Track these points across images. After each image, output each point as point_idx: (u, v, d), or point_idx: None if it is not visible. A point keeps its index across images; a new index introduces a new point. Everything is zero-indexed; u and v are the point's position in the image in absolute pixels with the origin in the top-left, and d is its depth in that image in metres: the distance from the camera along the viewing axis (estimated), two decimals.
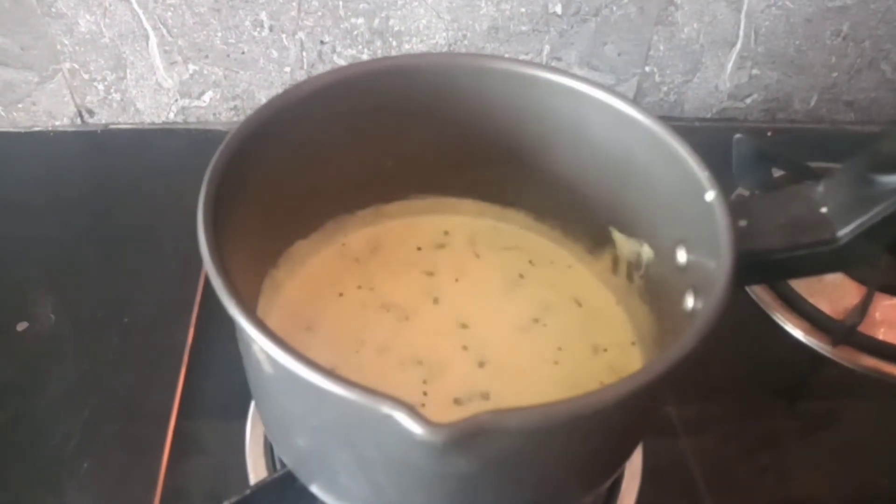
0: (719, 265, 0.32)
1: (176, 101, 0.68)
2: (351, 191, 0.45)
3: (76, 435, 0.47)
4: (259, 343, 0.28)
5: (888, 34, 0.70)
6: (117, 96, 0.67)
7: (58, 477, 0.45)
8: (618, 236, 0.44)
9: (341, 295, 0.44)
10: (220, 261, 0.30)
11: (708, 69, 0.71)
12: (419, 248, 0.47)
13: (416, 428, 0.25)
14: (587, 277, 0.46)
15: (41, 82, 0.66)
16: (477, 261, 0.47)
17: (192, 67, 0.66)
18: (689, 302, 0.36)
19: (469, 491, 0.32)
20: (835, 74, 0.72)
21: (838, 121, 0.76)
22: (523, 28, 0.66)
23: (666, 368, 0.29)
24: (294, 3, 0.63)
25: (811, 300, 0.56)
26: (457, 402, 0.39)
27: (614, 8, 0.65)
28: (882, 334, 0.54)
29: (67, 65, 0.65)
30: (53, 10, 0.61)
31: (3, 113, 0.67)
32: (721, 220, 0.34)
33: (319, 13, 0.63)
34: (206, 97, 0.68)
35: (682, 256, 0.38)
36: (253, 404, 0.47)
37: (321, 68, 0.67)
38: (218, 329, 0.52)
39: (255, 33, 0.64)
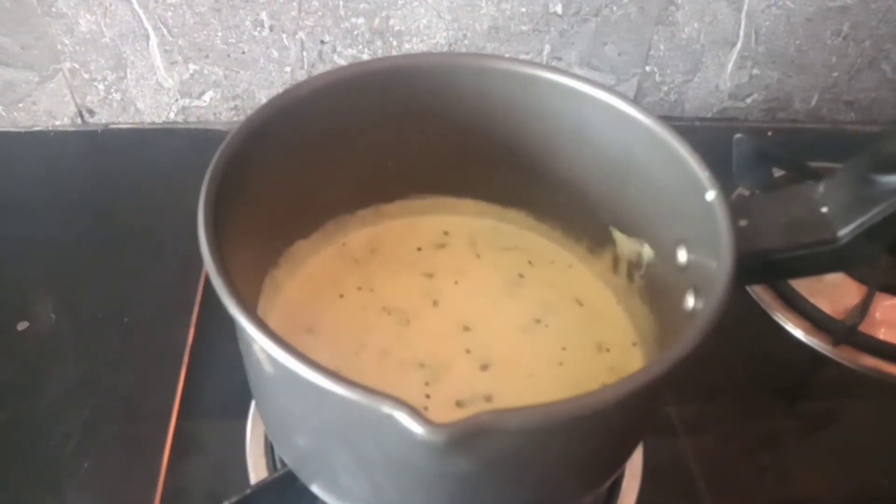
0: (720, 265, 0.32)
1: (176, 100, 0.68)
2: (351, 190, 0.45)
3: (76, 435, 0.47)
4: (260, 343, 0.28)
5: (889, 34, 0.70)
6: (118, 96, 0.67)
7: (58, 477, 0.45)
8: (618, 236, 0.44)
9: (342, 296, 0.44)
10: (221, 260, 0.30)
11: (708, 69, 0.71)
12: (419, 249, 0.47)
13: (416, 428, 0.25)
14: (588, 277, 0.46)
15: (41, 82, 0.66)
16: (477, 261, 0.47)
17: (192, 67, 0.66)
18: (690, 302, 0.36)
19: (469, 491, 0.32)
20: (835, 74, 0.72)
21: (839, 120, 0.76)
22: (524, 28, 0.66)
23: (666, 368, 0.29)
24: (294, 3, 0.63)
25: (812, 300, 0.55)
26: (459, 404, 0.39)
27: (615, 8, 0.65)
28: (882, 334, 0.54)
29: (68, 64, 0.65)
30: (54, 9, 0.61)
31: (3, 112, 0.67)
32: (721, 219, 0.33)
33: (320, 13, 0.63)
34: (207, 97, 0.68)
35: (682, 256, 0.38)
36: (253, 404, 0.47)
37: (321, 68, 0.67)
38: (218, 329, 0.52)
39: (256, 33, 0.64)
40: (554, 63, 0.69)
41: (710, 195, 0.34)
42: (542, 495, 0.35)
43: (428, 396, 0.39)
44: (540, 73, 0.41)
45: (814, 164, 0.60)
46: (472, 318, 0.43)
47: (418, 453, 0.28)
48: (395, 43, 0.66)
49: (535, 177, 0.45)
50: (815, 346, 0.54)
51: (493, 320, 0.43)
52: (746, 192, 0.61)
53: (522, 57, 0.68)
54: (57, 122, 0.69)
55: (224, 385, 0.49)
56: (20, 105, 0.67)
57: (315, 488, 0.37)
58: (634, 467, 0.45)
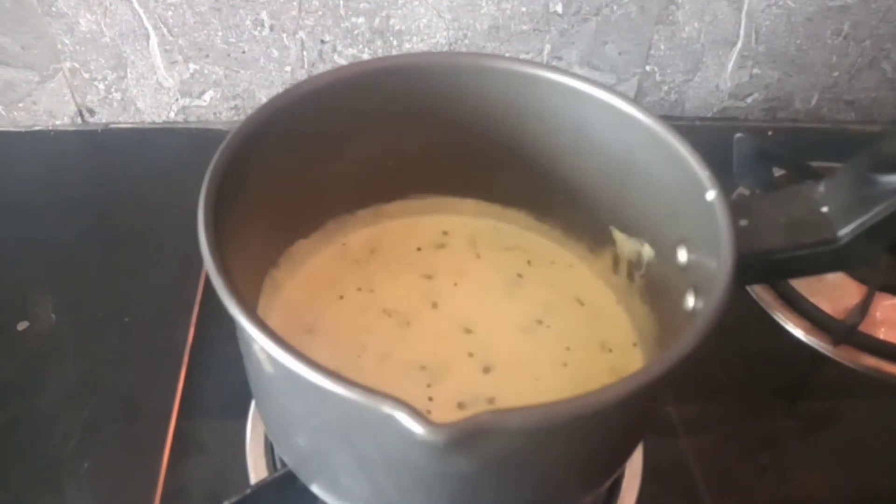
0: (720, 265, 0.32)
1: (176, 100, 0.68)
2: (351, 190, 0.45)
3: (76, 435, 0.47)
4: (260, 343, 0.28)
5: (889, 33, 0.70)
6: (118, 95, 0.67)
7: (58, 477, 0.45)
8: (618, 236, 0.44)
9: (342, 297, 0.44)
10: (221, 260, 0.30)
11: (709, 68, 0.71)
12: (419, 249, 0.47)
13: (416, 428, 0.25)
14: (588, 277, 0.46)
15: (42, 81, 0.66)
16: (477, 261, 0.47)
17: (192, 67, 0.66)
18: (690, 301, 0.36)
19: (469, 491, 0.32)
20: (836, 74, 0.72)
21: (839, 120, 0.76)
22: (524, 27, 0.66)
23: (666, 368, 0.28)
24: (295, 3, 0.63)
25: (812, 300, 0.55)
26: (462, 406, 0.39)
27: (615, 7, 0.65)
28: (883, 334, 0.54)
29: (68, 64, 0.65)
30: (54, 9, 0.61)
31: (3, 112, 0.67)
32: (722, 219, 0.33)
33: (320, 12, 0.63)
34: (207, 96, 0.68)
35: (682, 256, 0.38)
36: (253, 404, 0.47)
37: (322, 67, 0.67)
38: (218, 329, 0.52)
39: (256, 32, 0.64)
40: (554, 62, 0.69)
41: (711, 195, 0.34)
42: (542, 495, 0.35)
43: (431, 399, 0.39)
44: (540, 72, 0.41)
45: (814, 164, 0.60)
46: (472, 320, 0.43)
47: (418, 453, 0.28)
48: (395, 42, 0.66)
49: (536, 176, 0.45)
50: (816, 345, 0.54)
51: (494, 321, 0.43)
52: (747, 192, 0.61)
53: (523, 56, 0.68)
54: (57, 122, 0.69)
55: (224, 385, 0.49)
56: (20, 105, 0.67)
57: (315, 488, 0.37)
58: (634, 467, 0.45)
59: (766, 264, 0.36)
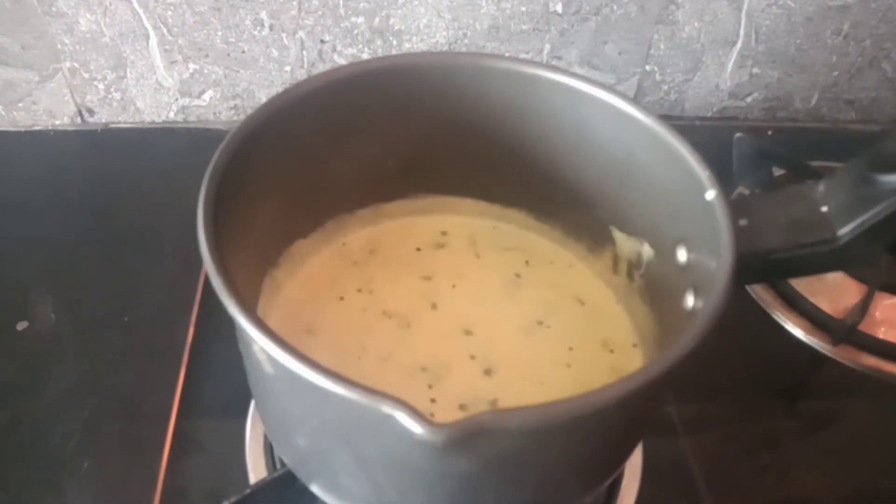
0: (719, 264, 0.32)
1: (176, 100, 0.68)
2: (351, 190, 0.45)
3: (76, 435, 0.47)
4: (259, 343, 0.28)
5: (889, 33, 0.70)
6: (117, 95, 0.67)
7: (58, 477, 0.45)
8: (618, 235, 0.44)
9: (342, 299, 0.44)
10: (220, 260, 0.30)
11: (708, 68, 0.71)
12: (418, 249, 0.47)
13: (416, 428, 0.25)
14: (588, 277, 0.46)
15: (41, 81, 0.66)
16: (477, 261, 0.47)
17: (192, 66, 0.66)
18: (690, 301, 0.36)
19: (469, 491, 0.32)
20: (835, 73, 0.72)
21: (839, 120, 0.76)
22: (524, 27, 0.66)
23: (666, 368, 0.28)
24: (294, 3, 0.63)
25: (812, 299, 0.55)
26: (465, 408, 0.39)
27: (615, 7, 0.65)
28: (882, 333, 0.54)
29: (68, 64, 0.65)
30: (54, 9, 0.61)
31: (3, 112, 0.67)
32: (721, 219, 0.33)
33: (320, 12, 0.63)
34: (207, 96, 0.68)
35: (682, 255, 0.38)
36: (253, 403, 0.47)
37: (321, 67, 0.67)
38: (218, 328, 0.52)
39: (256, 32, 0.64)
40: (554, 62, 0.68)
41: (710, 194, 0.34)
42: (542, 495, 0.35)
43: (433, 401, 0.39)
44: (540, 72, 0.41)
45: (814, 164, 0.60)
46: (472, 321, 0.43)
47: (418, 453, 0.28)
48: (394, 42, 0.66)
49: (535, 176, 0.45)
50: (815, 345, 0.54)
51: (495, 322, 0.43)
52: (746, 192, 0.61)
53: (522, 56, 0.68)
54: (57, 122, 0.69)
55: (224, 385, 0.49)
56: (20, 104, 0.67)
57: (315, 488, 0.37)
58: (634, 467, 0.45)
59: (765, 264, 0.36)
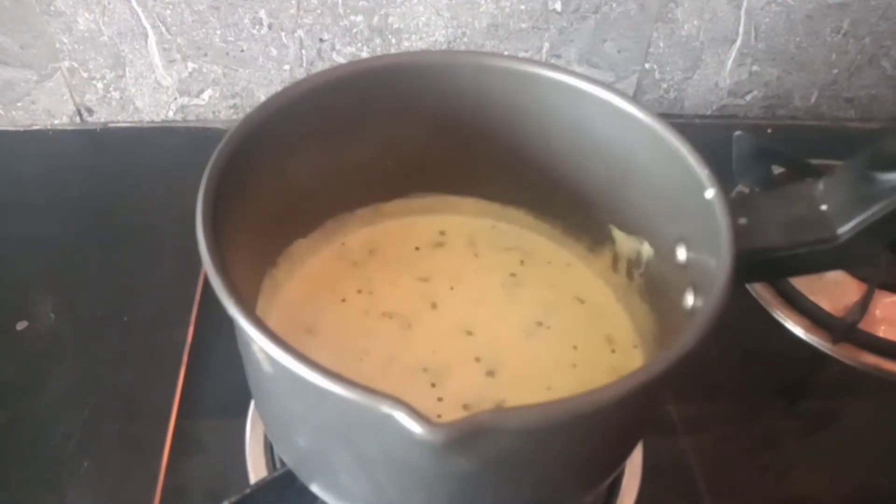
0: (719, 263, 0.32)
1: (175, 99, 0.68)
2: (350, 189, 0.45)
3: (76, 435, 0.47)
4: (259, 343, 0.28)
5: (889, 31, 0.70)
6: (116, 95, 0.67)
7: (58, 477, 0.45)
8: (618, 234, 0.44)
9: (344, 301, 0.44)
10: (220, 260, 0.30)
11: (708, 66, 0.71)
12: (417, 249, 0.47)
13: (415, 427, 0.25)
14: (587, 276, 0.46)
15: (40, 81, 0.66)
16: (476, 261, 0.47)
17: (191, 65, 0.66)
18: (689, 300, 0.36)
19: (469, 490, 0.32)
20: (835, 71, 0.72)
21: (839, 118, 0.76)
22: (523, 25, 0.66)
23: (666, 367, 0.28)
24: (293, 1, 0.63)
25: (812, 297, 0.55)
26: (470, 409, 0.39)
27: (614, 5, 0.65)
28: (882, 331, 0.54)
29: (66, 63, 0.65)
30: (52, 8, 0.61)
31: (2, 112, 0.67)
32: (721, 217, 0.33)
33: (318, 11, 0.63)
34: (206, 95, 0.68)
35: (682, 254, 0.38)
36: (252, 403, 0.47)
37: (320, 66, 0.67)
38: (218, 328, 0.52)
39: (255, 31, 0.64)
40: (553, 60, 0.68)
41: (710, 193, 0.34)
42: (543, 494, 0.35)
43: (440, 399, 0.39)
44: (539, 70, 0.41)
45: (814, 162, 0.60)
46: (473, 321, 0.43)
47: (418, 453, 0.28)
48: (393, 41, 0.66)
49: (535, 175, 0.45)
50: (815, 343, 0.54)
51: (495, 322, 0.43)
52: (746, 190, 0.61)
53: (522, 54, 0.68)
54: (56, 121, 0.69)
55: (223, 384, 0.49)
56: (19, 104, 0.67)
57: (315, 488, 0.37)
58: (634, 466, 0.45)
59: (765, 262, 0.36)
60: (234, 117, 0.70)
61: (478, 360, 0.41)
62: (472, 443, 0.25)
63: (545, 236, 0.48)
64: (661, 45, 0.69)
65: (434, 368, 0.40)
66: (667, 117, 0.38)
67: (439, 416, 0.38)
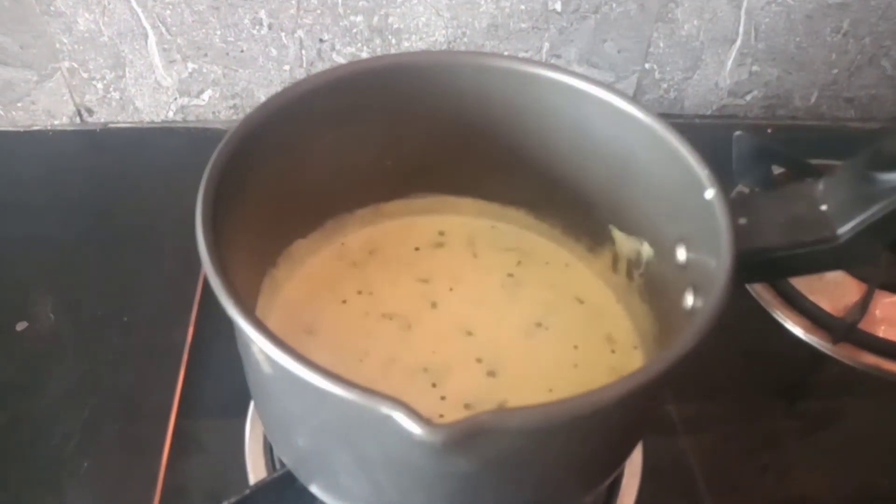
0: (719, 263, 0.32)
1: (175, 99, 0.68)
2: (350, 189, 0.45)
3: (76, 435, 0.47)
4: (258, 344, 0.28)
5: (889, 30, 0.70)
6: (116, 95, 0.67)
7: (58, 477, 0.45)
8: (617, 234, 0.44)
9: (344, 302, 0.44)
10: (219, 260, 0.30)
11: (708, 66, 0.71)
12: (417, 249, 0.47)
13: (415, 428, 0.25)
14: (587, 276, 0.46)
15: (40, 81, 0.66)
16: (475, 261, 0.47)
17: (191, 66, 0.66)
18: (689, 300, 0.36)
19: (469, 490, 0.32)
20: (835, 71, 0.72)
21: (839, 118, 0.76)
22: (523, 25, 0.66)
23: (665, 367, 0.28)
24: (293, 1, 0.63)
25: (811, 298, 0.55)
26: (470, 408, 0.39)
27: (614, 5, 0.65)
28: (882, 332, 0.54)
29: (66, 63, 0.65)
30: (52, 8, 0.61)
31: (2, 112, 0.67)
32: (721, 217, 0.33)
33: (318, 11, 0.63)
34: (206, 96, 0.68)
35: (681, 254, 0.38)
36: (252, 404, 0.47)
37: (320, 66, 0.67)
38: (217, 328, 0.52)
39: (255, 31, 0.64)
40: (553, 60, 0.68)
41: (710, 193, 0.34)
42: (542, 495, 0.35)
43: (443, 398, 0.39)
44: (539, 71, 0.41)
45: (814, 162, 0.60)
46: (473, 321, 0.43)
47: (417, 453, 0.28)
48: (393, 41, 0.66)
49: (534, 175, 0.44)
50: (815, 343, 0.54)
51: (495, 323, 0.43)
52: (746, 190, 0.61)
53: (521, 54, 0.68)
54: (56, 122, 0.69)
55: (223, 385, 0.49)
56: (19, 104, 0.67)
57: (314, 489, 0.37)
58: (634, 466, 0.45)
59: (765, 263, 0.36)
60: (234, 118, 0.70)
61: (479, 360, 0.41)
62: (472, 443, 0.25)
63: (545, 237, 0.48)
64: (661, 45, 0.69)
65: (434, 369, 0.40)
66: (667, 117, 0.38)
67: (441, 415, 0.38)
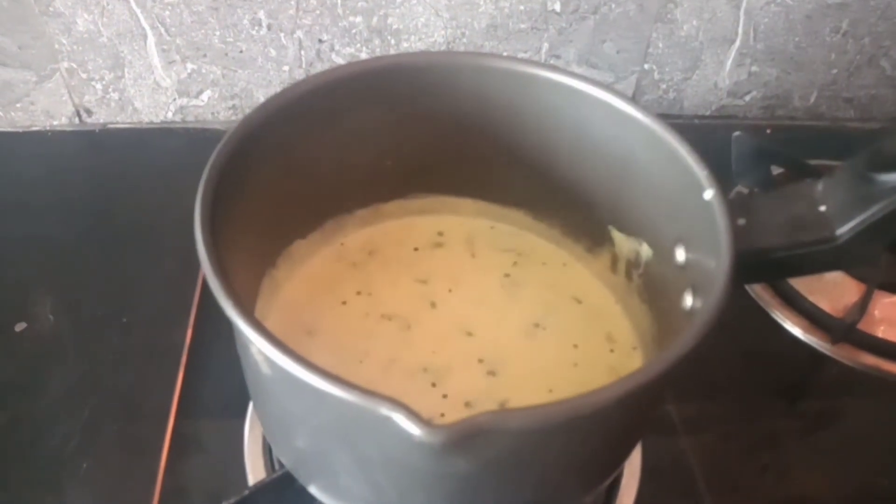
0: (718, 264, 0.32)
1: (174, 100, 0.68)
2: (349, 190, 0.45)
3: (76, 435, 0.47)
4: (257, 345, 0.28)
5: (888, 31, 0.70)
6: (115, 95, 0.67)
7: (58, 477, 0.45)
8: (617, 235, 0.44)
9: (344, 303, 0.44)
10: (218, 261, 0.30)
11: (707, 66, 0.71)
12: (416, 249, 0.47)
13: (414, 429, 0.25)
14: (586, 276, 0.46)
15: (39, 82, 0.66)
16: (473, 262, 0.47)
17: (190, 66, 0.66)
18: (689, 301, 0.36)
19: (469, 491, 0.32)
20: (834, 71, 0.72)
21: (838, 118, 0.76)
22: (522, 26, 0.66)
23: (665, 368, 0.28)
24: (292, 2, 0.62)
25: (810, 298, 0.55)
26: (471, 407, 0.39)
27: (613, 5, 0.65)
28: (881, 332, 0.54)
29: (65, 64, 0.65)
30: (51, 9, 0.61)
31: (1, 113, 0.67)
32: (720, 218, 0.33)
33: (318, 11, 0.63)
34: (205, 96, 0.68)
35: (681, 255, 0.38)
36: (251, 404, 0.47)
37: (319, 67, 0.67)
38: (216, 329, 0.52)
39: (254, 32, 0.64)
40: (552, 61, 0.68)
41: (709, 194, 0.34)
42: (542, 495, 0.35)
43: (445, 396, 0.39)
44: (538, 71, 0.41)
45: (813, 162, 0.60)
46: (472, 322, 0.43)
47: (416, 454, 0.28)
48: (393, 41, 0.66)
49: (534, 176, 0.44)
50: (814, 344, 0.54)
51: (494, 323, 0.43)
52: (745, 191, 0.61)
53: (521, 55, 0.68)
54: (55, 122, 0.68)
55: (222, 385, 0.49)
56: (18, 105, 0.67)
57: (314, 489, 0.37)
58: (633, 466, 0.45)
59: (764, 263, 0.36)
60: (233, 118, 0.70)
61: (480, 360, 0.41)
62: (471, 444, 0.25)
63: (544, 237, 0.48)
64: (661, 45, 0.69)
65: (434, 369, 0.40)
66: (666, 118, 0.38)
67: (442, 414, 0.38)
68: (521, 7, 0.65)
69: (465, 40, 0.66)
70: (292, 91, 0.38)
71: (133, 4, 0.62)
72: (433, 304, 0.44)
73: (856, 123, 0.76)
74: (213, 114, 0.69)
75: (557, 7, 0.65)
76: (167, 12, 0.62)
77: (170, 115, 0.69)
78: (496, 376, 0.41)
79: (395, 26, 0.65)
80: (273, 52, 0.66)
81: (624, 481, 0.45)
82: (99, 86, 0.66)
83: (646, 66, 0.70)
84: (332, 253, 0.46)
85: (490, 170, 0.45)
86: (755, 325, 0.56)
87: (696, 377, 0.43)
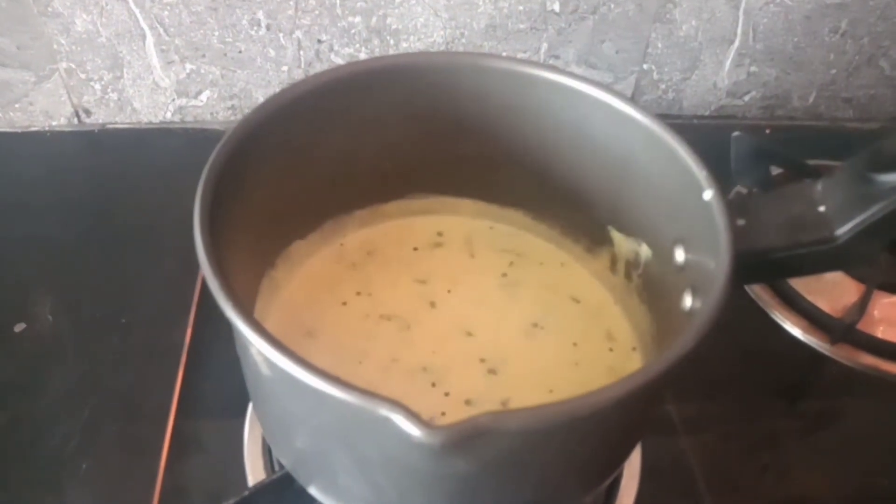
0: (718, 264, 0.32)
1: (173, 100, 0.68)
2: (349, 190, 0.45)
3: (76, 435, 0.47)
4: (256, 345, 0.28)
5: (887, 31, 0.70)
6: (114, 96, 0.67)
7: (58, 477, 0.45)
8: (616, 235, 0.44)
9: (344, 304, 0.44)
10: (217, 262, 0.30)
11: (706, 66, 0.71)
12: (416, 249, 0.47)
13: (413, 430, 0.25)
14: (584, 277, 0.46)
15: (38, 82, 0.66)
16: (472, 261, 0.47)
17: (189, 67, 0.66)
18: (688, 301, 0.36)
19: (468, 492, 0.32)
20: (833, 71, 0.72)
21: (837, 118, 0.76)
22: (521, 26, 0.66)
23: (664, 368, 0.28)
24: (291, 2, 0.62)
25: (810, 298, 0.55)
26: (472, 406, 0.39)
27: (612, 6, 0.65)
28: (881, 332, 0.54)
29: (64, 64, 0.65)
30: (50, 9, 0.61)
31: (0, 113, 0.67)
32: (719, 218, 0.33)
33: (317, 12, 0.63)
34: (204, 96, 0.68)
35: (680, 255, 0.38)
36: (251, 405, 0.47)
37: (319, 67, 0.67)
38: (216, 329, 0.52)
39: (253, 32, 0.64)
40: (551, 61, 0.68)
41: (708, 194, 0.34)
42: (542, 495, 0.35)
43: (447, 394, 0.39)
44: (537, 71, 0.41)
45: (812, 162, 0.60)
46: (472, 322, 0.43)
47: (416, 455, 0.28)
48: (392, 42, 0.66)
49: (533, 176, 0.44)
50: (814, 344, 0.54)
51: (494, 322, 0.43)
52: (744, 191, 0.61)
53: (520, 55, 0.68)
54: (54, 123, 0.68)
55: (222, 385, 0.49)
56: (17, 105, 0.67)
57: (313, 490, 0.37)
58: (633, 466, 0.45)
59: (763, 263, 0.36)
60: (233, 118, 0.70)
61: (482, 360, 0.41)
62: (471, 445, 0.25)
63: (543, 237, 0.48)
64: (660, 45, 0.69)
65: (434, 369, 0.40)
66: (665, 118, 0.38)
67: (443, 413, 0.38)
68: (520, 7, 0.65)
69: (464, 40, 0.66)
70: (291, 91, 0.38)
71: (132, 5, 0.62)
72: (433, 304, 0.44)
73: (855, 123, 0.76)
74: (212, 114, 0.69)
75: (556, 7, 0.65)
76: (166, 12, 0.62)
77: (169, 115, 0.69)
78: (497, 375, 0.41)
79: (394, 26, 0.65)
80: (272, 53, 0.66)
81: (624, 481, 0.45)
82: (98, 86, 0.66)
83: (645, 67, 0.70)
84: (331, 253, 0.46)
85: (489, 170, 0.45)
86: (755, 325, 0.56)
87: (695, 377, 0.43)
